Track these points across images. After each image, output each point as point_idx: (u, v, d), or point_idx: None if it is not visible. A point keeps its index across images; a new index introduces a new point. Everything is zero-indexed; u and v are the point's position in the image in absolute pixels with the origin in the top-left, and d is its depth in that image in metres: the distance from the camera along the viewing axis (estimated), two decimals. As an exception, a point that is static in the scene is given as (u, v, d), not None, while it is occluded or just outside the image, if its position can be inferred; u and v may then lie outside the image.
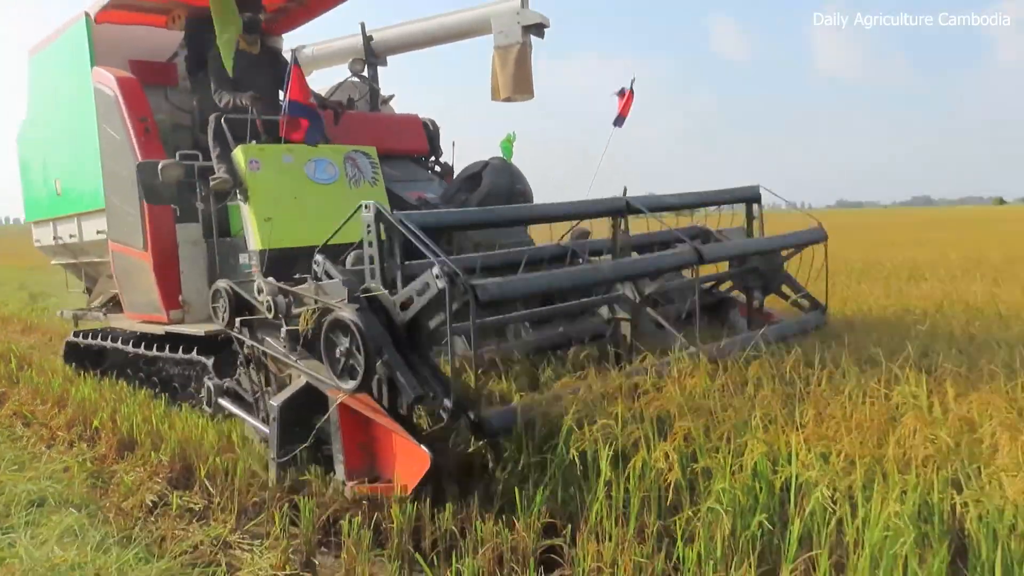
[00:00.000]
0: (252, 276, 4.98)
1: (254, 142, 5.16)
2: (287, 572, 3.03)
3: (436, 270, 3.04)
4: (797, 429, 2.97)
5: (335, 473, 3.47)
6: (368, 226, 3.29)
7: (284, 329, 3.57)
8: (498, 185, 6.05)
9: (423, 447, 3.07)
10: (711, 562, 2.62)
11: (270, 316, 3.62)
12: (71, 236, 6.63)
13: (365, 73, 6.86)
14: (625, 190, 6.29)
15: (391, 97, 7.25)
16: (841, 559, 2.51)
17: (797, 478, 2.71)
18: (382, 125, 6.70)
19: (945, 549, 2.35)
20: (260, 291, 3.67)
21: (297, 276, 3.64)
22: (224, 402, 4.26)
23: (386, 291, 3.27)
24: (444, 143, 7.23)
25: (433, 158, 7.18)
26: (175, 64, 6.28)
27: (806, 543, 2.58)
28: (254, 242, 4.96)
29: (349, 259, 4.10)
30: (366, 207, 3.43)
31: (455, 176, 6.68)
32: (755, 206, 5.41)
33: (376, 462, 3.46)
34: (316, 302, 3.51)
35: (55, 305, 12.10)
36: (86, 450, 4.80)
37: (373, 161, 5.68)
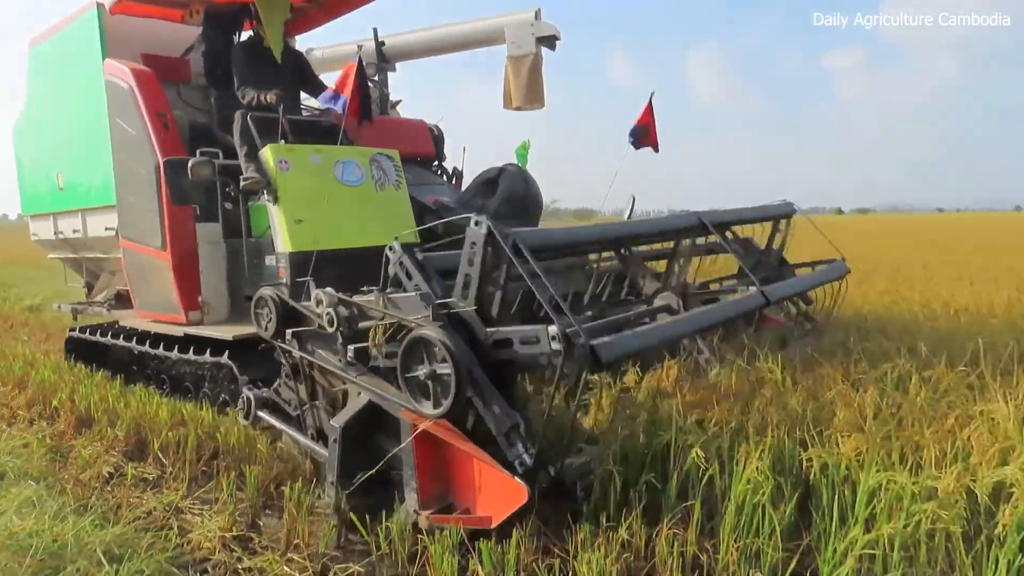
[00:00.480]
0: (280, 279, 4.25)
1: (283, 141, 4.40)
2: (234, 533, 2.97)
3: (554, 330, 2.39)
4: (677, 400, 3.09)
5: (405, 500, 2.81)
6: (473, 244, 2.60)
7: (351, 347, 2.88)
8: (514, 190, 5.44)
9: (519, 480, 2.45)
10: (605, 513, 2.67)
11: (330, 330, 2.92)
12: (74, 231, 5.68)
13: (376, 78, 6.11)
14: (633, 199, 5.78)
15: (399, 102, 6.52)
16: (712, 509, 2.61)
17: (676, 441, 2.81)
18: (394, 129, 5.97)
19: (795, 498, 2.51)
20: (319, 302, 2.97)
21: (365, 288, 2.94)
22: (265, 415, 3.52)
23: (472, 310, 2.62)
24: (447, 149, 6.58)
25: (437, 162, 6.51)
26: (188, 60, 5.41)
27: (683, 496, 2.68)
28: (283, 244, 4.21)
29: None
30: (476, 223, 2.63)
31: (468, 181, 6.04)
32: (783, 221, 4.91)
33: (449, 488, 2.82)
34: (384, 316, 2.84)
35: (15, 296, 11.07)
36: (45, 427, 4.50)
37: (396, 164, 4.98)
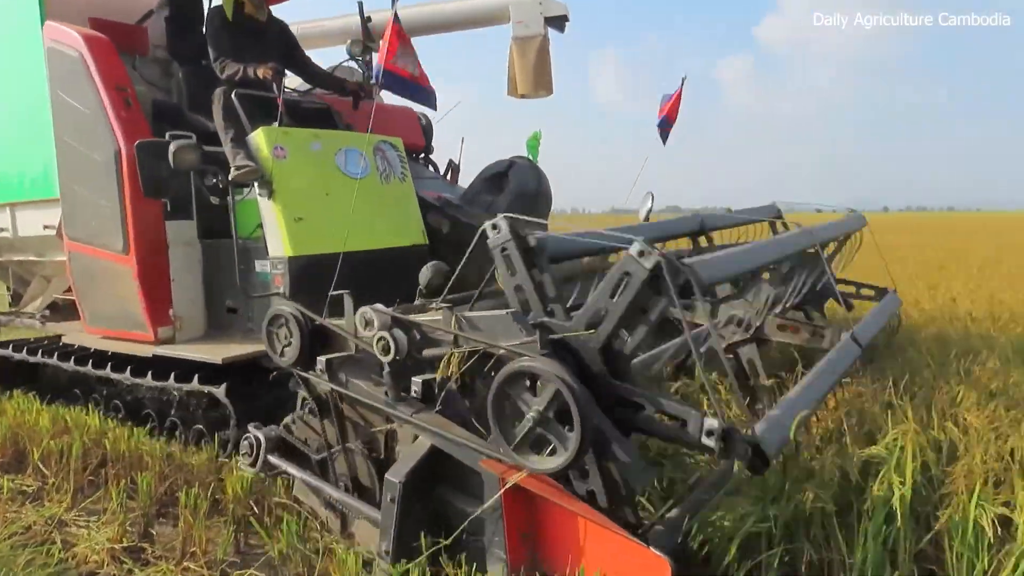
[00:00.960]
0: (276, 288, 3.57)
1: (275, 124, 3.70)
2: (125, 544, 2.81)
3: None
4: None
5: (487, 571, 2.23)
6: (627, 275, 2.02)
7: (418, 379, 2.27)
8: (526, 186, 4.88)
9: (656, 550, 1.92)
10: None
11: (385, 358, 2.30)
12: (1, 230, 4.78)
13: (362, 58, 5.41)
14: (652, 197, 5.31)
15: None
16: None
17: None
18: (381, 116, 5.29)
19: None
20: (367, 322, 2.34)
21: (438, 305, 2.33)
22: (278, 460, 2.84)
23: (589, 334, 2.06)
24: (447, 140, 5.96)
25: (423, 155, 5.87)
26: (145, 28, 4.59)
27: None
28: (281, 247, 3.53)
29: None
30: (640, 252, 1.97)
31: (463, 175, 5.44)
32: (778, 223, 4.65)
33: (540, 553, 2.26)
34: (457, 341, 2.24)
35: None
36: (-94, 441, 4.06)
37: (400, 154, 4.36)
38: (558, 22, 5.20)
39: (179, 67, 4.34)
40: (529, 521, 2.25)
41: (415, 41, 5.50)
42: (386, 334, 2.29)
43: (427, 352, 2.30)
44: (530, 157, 5.20)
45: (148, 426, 4.04)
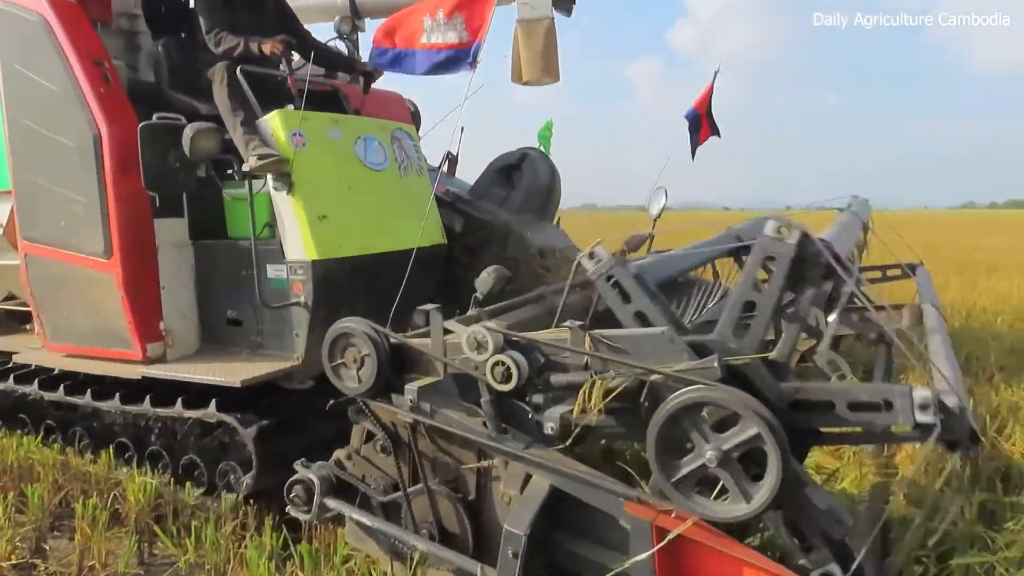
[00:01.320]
0: (296, 297, 3.12)
1: (290, 106, 3.23)
2: (13, 561, 2.69)
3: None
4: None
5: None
6: (770, 259, 1.77)
7: (557, 412, 1.92)
8: (540, 181, 4.56)
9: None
10: None
11: (505, 387, 1.94)
12: (-75, 229, 4.04)
13: (352, 37, 4.92)
14: (665, 192, 5.08)
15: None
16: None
17: None
18: (378, 101, 4.82)
19: None
20: (478, 344, 1.97)
21: (578, 325, 1.96)
22: (338, 504, 2.41)
23: (765, 357, 1.78)
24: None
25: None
26: (109, -6, 3.97)
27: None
28: (303, 249, 3.08)
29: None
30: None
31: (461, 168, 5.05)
32: None
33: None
34: (587, 367, 1.91)
35: None
36: None
37: (416, 144, 3.95)
38: (565, 5, 4.88)
39: (155, 39, 3.77)
40: (676, 571, 1.95)
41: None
42: (506, 358, 1.93)
43: (555, 379, 1.95)
44: (542, 148, 4.88)
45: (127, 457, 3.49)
